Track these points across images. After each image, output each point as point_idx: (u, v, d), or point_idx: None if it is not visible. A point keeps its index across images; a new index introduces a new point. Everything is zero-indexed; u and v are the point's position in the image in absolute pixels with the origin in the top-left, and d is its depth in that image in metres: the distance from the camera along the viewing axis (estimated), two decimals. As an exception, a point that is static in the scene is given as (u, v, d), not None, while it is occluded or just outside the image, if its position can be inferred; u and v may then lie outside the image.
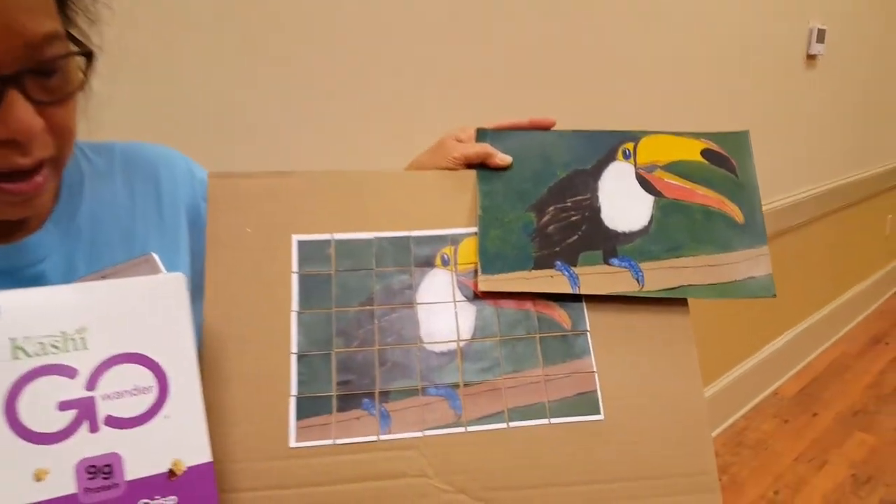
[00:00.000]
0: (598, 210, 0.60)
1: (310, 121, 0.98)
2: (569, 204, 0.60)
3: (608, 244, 0.59)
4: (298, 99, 0.96)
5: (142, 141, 0.62)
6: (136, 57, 0.79)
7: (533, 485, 0.52)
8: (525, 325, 0.56)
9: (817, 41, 2.13)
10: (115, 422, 0.42)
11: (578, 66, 1.39)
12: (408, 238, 0.57)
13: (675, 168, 0.61)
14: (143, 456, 0.43)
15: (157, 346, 0.45)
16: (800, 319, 2.52)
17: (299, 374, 0.52)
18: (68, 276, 0.52)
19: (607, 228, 0.59)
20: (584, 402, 0.55)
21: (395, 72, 1.06)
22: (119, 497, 0.42)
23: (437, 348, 0.55)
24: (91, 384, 0.42)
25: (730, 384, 2.12)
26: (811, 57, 2.16)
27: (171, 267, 0.54)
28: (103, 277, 0.52)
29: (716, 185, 0.61)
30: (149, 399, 0.44)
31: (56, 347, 0.42)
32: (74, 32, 0.48)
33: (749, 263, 0.59)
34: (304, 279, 0.55)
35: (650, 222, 0.60)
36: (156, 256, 0.53)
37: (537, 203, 0.60)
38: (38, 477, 0.40)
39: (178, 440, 0.44)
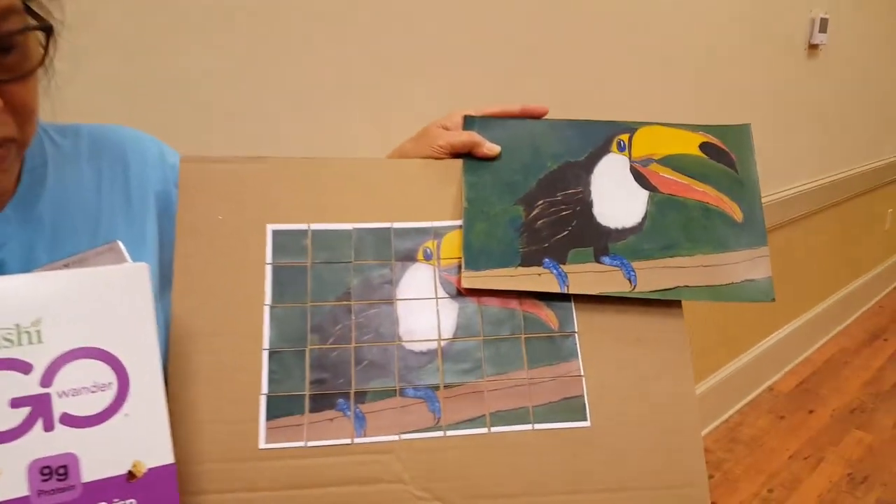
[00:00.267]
0: (589, 205, 0.58)
1: (289, 103, 0.95)
2: (559, 198, 0.57)
3: (599, 241, 0.56)
4: (278, 81, 0.93)
5: (112, 124, 0.59)
6: (104, 33, 0.76)
7: (514, 493, 0.50)
8: (510, 324, 0.54)
9: (819, 31, 2.09)
10: (71, 420, 0.41)
11: (572, 54, 1.36)
12: (389, 230, 0.55)
13: (672, 162, 0.59)
14: (101, 457, 0.41)
15: (118, 340, 0.43)
16: (797, 314, 2.51)
17: (270, 371, 0.51)
18: (28, 265, 0.50)
19: (599, 225, 0.57)
20: (570, 408, 0.53)
21: (379, 55, 1.03)
22: (75, 500, 0.40)
23: (417, 347, 0.53)
24: (46, 380, 0.41)
25: (725, 379, 2.11)
26: (813, 47, 2.12)
27: (137, 256, 0.52)
28: (65, 266, 0.50)
29: (714, 181, 0.59)
30: (108, 396, 0.42)
31: (9, 341, 0.40)
32: (33, 6, 0.46)
33: (747, 265, 0.57)
34: (277, 271, 0.53)
35: (644, 219, 0.57)
36: (121, 244, 0.51)
37: (526, 196, 0.57)
38: (-12, 478, 0.38)
39: (138, 440, 0.42)
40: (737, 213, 0.58)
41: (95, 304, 0.43)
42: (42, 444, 0.40)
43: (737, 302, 0.55)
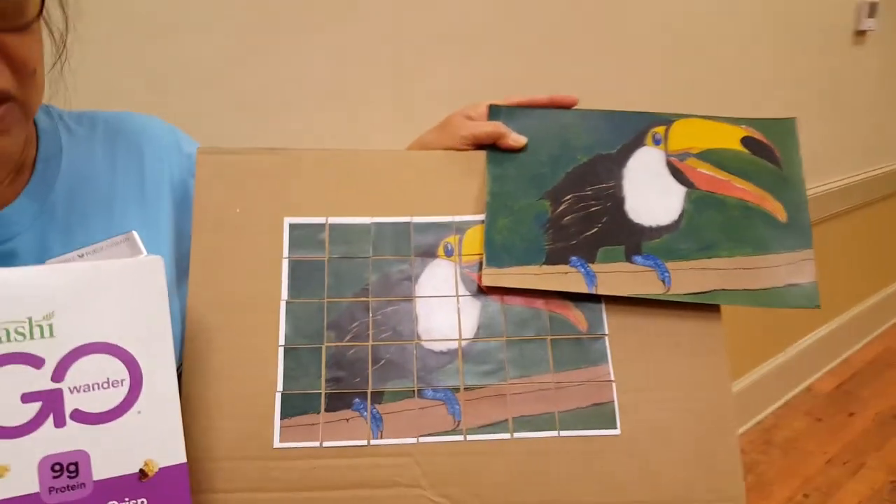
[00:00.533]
0: (621, 201, 0.55)
1: (308, 93, 0.93)
2: (589, 192, 0.55)
3: (632, 240, 0.54)
4: (297, 70, 0.91)
5: (129, 111, 0.58)
6: (123, 14, 0.75)
7: (537, 503, 0.48)
8: (535, 325, 0.52)
9: (868, 16, 2.00)
10: (82, 416, 0.40)
11: (604, 42, 1.32)
12: (409, 224, 0.53)
13: (711, 157, 0.56)
14: (112, 455, 0.40)
15: (132, 335, 0.42)
16: (840, 311, 2.43)
17: (286, 368, 0.50)
18: (41, 256, 0.49)
19: (631, 222, 0.54)
20: (599, 415, 0.50)
21: (401, 41, 1.00)
22: (85, 498, 0.40)
23: (437, 347, 0.51)
24: (58, 375, 0.40)
25: (760, 378, 2.06)
26: (860, 33, 2.03)
27: (152, 247, 0.51)
28: (80, 257, 0.49)
29: (756, 178, 0.56)
30: (120, 393, 0.41)
31: (21, 334, 0.40)
32: None
33: (791, 268, 0.53)
34: (294, 266, 0.52)
35: (680, 217, 0.54)
36: (136, 235, 0.51)
37: (553, 190, 0.55)
38: (-2, 473, 0.38)
39: (150, 438, 0.42)
40: (780, 213, 0.55)
41: (109, 298, 0.42)
42: (53, 440, 0.39)
43: (778, 307, 0.52)
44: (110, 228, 0.52)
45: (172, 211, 0.57)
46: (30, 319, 0.40)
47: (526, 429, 0.50)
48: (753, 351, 2.04)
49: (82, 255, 0.49)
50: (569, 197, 0.55)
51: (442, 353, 0.51)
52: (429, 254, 0.53)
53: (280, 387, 0.49)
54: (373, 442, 0.49)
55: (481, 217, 0.54)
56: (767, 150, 0.57)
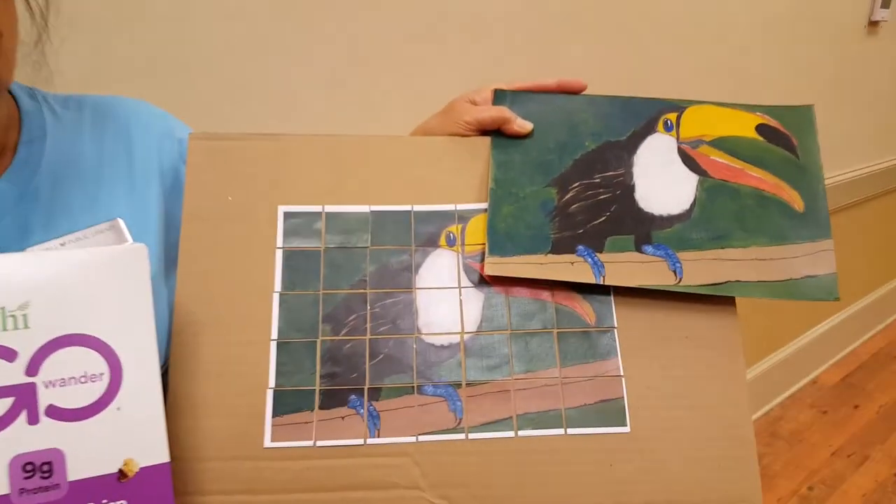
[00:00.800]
0: (631, 189, 0.52)
1: (306, 78, 0.90)
2: (597, 180, 0.52)
3: (641, 229, 0.51)
4: (295, 53, 0.88)
5: (119, 95, 0.56)
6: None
7: None
8: (541, 317, 0.49)
9: (882, 6, 1.98)
10: (58, 413, 0.38)
11: (614, 26, 1.30)
12: (409, 213, 0.51)
13: (725, 144, 0.54)
14: (89, 453, 0.38)
15: (112, 327, 0.40)
16: (846, 303, 2.42)
17: (278, 363, 0.47)
18: (22, 242, 0.47)
19: (641, 210, 0.52)
20: (608, 411, 0.48)
21: (401, 24, 0.97)
22: (60, 500, 0.38)
23: (437, 341, 0.49)
24: (32, 369, 0.38)
25: (766, 370, 2.05)
26: (874, 24, 2.01)
27: (138, 235, 0.49)
28: (62, 245, 0.47)
29: (772, 167, 0.53)
30: (99, 388, 0.39)
31: (-7, 325, 0.38)
32: None
33: (808, 259, 0.51)
34: (289, 256, 0.49)
35: (692, 206, 0.52)
36: (122, 223, 0.48)
37: (560, 177, 0.52)
38: (-34, 473, 0.36)
39: (131, 437, 0.40)
40: (797, 202, 0.53)
41: (88, 288, 0.40)
42: (25, 438, 0.37)
43: (795, 299, 0.50)
44: (96, 215, 0.50)
45: (162, 198, 0.54)
46: (3, 309, 0.38)
47: (531, 427, 0.47)
48: (758, 343, 2.03)
49: (64, 244, 0.46)
50: (576, 184, 0.52)
51: (443, 347, 0.49)
52: (430, 243, 0.50)
53: (272, 383, 0.47)
54: (369, 441, 0.46)
55: (485, 205, 0.52)
56: (783, 138, 0.54)
